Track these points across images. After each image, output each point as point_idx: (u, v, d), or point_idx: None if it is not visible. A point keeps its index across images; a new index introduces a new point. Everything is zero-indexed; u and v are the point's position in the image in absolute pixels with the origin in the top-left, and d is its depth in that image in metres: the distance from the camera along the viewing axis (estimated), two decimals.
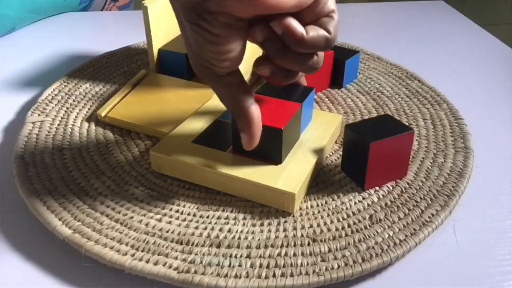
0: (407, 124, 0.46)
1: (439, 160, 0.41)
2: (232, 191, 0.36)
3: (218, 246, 0.32)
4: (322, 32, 0.29)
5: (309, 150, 0.38)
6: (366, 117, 0.47)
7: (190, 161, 0.36)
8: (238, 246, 0.32)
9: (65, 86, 0.51)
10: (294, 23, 0.28)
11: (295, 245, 0.32)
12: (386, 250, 0.32)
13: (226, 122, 0.41)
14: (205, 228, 0.34)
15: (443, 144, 0.43)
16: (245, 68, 0.47)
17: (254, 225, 0.34)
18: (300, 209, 0.36)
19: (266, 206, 0.36)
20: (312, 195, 0.37)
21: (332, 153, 0.42)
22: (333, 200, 0.37)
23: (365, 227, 0.34)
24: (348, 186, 0.38)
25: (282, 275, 0.30)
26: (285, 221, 0.34)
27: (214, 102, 0.44)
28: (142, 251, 0.32)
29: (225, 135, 0.39)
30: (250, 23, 0.29)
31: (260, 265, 0.31)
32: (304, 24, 0.29)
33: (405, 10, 0.81)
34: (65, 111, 0.47)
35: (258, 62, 0.31)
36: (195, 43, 0.28)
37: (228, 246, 0.32)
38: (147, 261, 0.31)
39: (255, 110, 0.32)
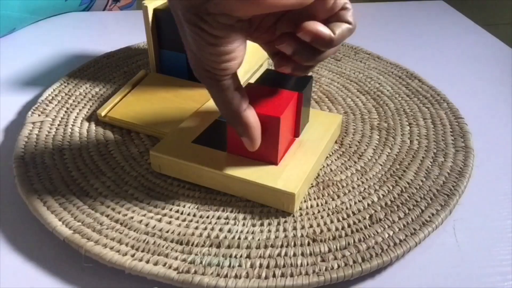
0: (407, 122, 0.46)
1: (439, 160, 0.41)
2: (232, 191, 0.36)
3: (218, 246, 0.32)
4: (345, 26, 0.29)
5: (309, 150, 0.38)
6: (366, 117, 0.47)
7: (190, 161, 0.36)
8: (238, 246, 0.32)
9: (65, 86, 0.51)
10: (320, 28, 0.28)
11: (295, 245, 0.32)
12: (386, 250, 0.32)
13: (226, 122, 0.41)
14: (205, 228, 0.34)
15: (443, 143, 0.43)
16: (245, 68, 0.47)
17: (254, 225, 0.34)
18: (300, 209, 0.36)
19: (266, 206, 0.36)
20: (312, 195, 0.37)
21: (332, 153, 0.42)
22: (333, 200, 0.37)
23: (365, 227, 0.34)
24: (348, 186, 0.38)
25: (282, 275, 0.30)
26: (285, 221, 0.34)
27: None
28: (142, 251, 0.32)
29: (225, 135, 0.39)
30: (250, 24, 0.29)
31: (260, 265, 0.31)
32: (323, 21, 0.29)
33: (405, 10, 0.81)
34: (65, 112, 0.47)
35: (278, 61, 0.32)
36: (196, 46, 0.28)
37: (228, 246, 0.32)
38: (147, 261, 0.31)
39: (250, 113, 0.32)
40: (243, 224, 0.34)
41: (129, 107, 0.46)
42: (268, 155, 0.36)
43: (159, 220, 0.34)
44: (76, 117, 0.46)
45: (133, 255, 0.31)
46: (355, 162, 0.41)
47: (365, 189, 0.38)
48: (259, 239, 0.33)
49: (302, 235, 0.33)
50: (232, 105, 0.31)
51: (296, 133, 0.39)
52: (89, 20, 0.73)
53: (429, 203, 0.36)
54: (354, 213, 0.35)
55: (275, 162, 0.36)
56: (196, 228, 0.34)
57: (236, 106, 0.31)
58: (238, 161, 0.36)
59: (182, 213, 0.35)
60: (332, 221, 0.34)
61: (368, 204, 0.36)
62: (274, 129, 0.34)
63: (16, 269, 0.32)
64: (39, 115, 0.46)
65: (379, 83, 0.53)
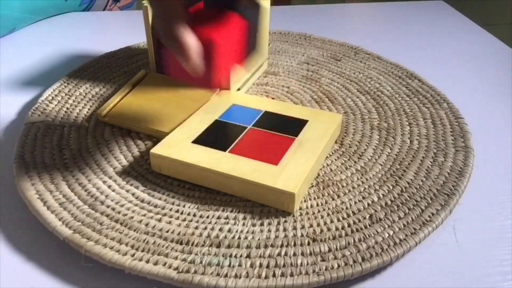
0: (407, 122, 0.46)
1: (439, 159, 0.41)
2: (232, 191, 0.36)
3: (218, 246, 0.32)
4: None
5: (309, 149, 0.38)
6: (366, 117, 0.47)
7: (190, 161, 0.36)
8: (238, 246, 0.32)
9: (65, 86, 0.51)
10: None
11: (295, 244, 0.32)
12: (386, 249, 0.32)
13: (226, 122, 0.41)
14: (205, 228, 0.34)
15: (443, 143, 0.43)
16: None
17: (254, 225, 0.34)
18: (300, 209, 0.36)
19: (266, 206, 0.36)
20: (312, 195, 0.37)
21: (332, 153, 0.42)
22: (333, 200, 0.37)
23: (365, 227, 0.34)
24: (348, 186, 0.38)
25: (282, 275, 0.30)
26: (285, 221, 0.34)
27: (214, 102, 0.44)
28: (142, 251, 0.32)
29: (225, 135, 0.40)
30: None
31: (260, 265, 0.31)
32: None
33: (405, 10, 0.81)
34: (65, 112, 0.47)
35: None
36: None
37: (228, 246, 0.32)
38: (147, 261, 0.31)
39: (187, 33, 0.30)
40: (243, 224, 0.34)
41: (129, 107, 0.46)
42: (205, 80, 0.34)
43: (159, 220, 0.34)
44: (76, 117, 0.46)
45: (133, 255, 0.31)
46: (355, 162, 0.41)
47: (365, 189, 0.38)
48: (259, 239, 0.33)
49: (302, 235, 0.33)
50: (171, 20, 0.30)
51: (242, 61, 0.37)
52: (89, 20, 0.73)
53: (429, 203, 0.36)
54: (354, 213, 0.35)
55: (210, 87, 0.34)
56: (196, 228, 0.34)
57: (174, 21, 0.30)
58: (238, 161, 0.36)
59: (182, 213, 0.35)
60: (332, 221, 0.34)
61: (368, 204, 0.36)
62: (211, 53, 0.33)
63: (16, 269, 0.32)
64: (39, 115, 0.46)
65: (379, 83, 0.53)
